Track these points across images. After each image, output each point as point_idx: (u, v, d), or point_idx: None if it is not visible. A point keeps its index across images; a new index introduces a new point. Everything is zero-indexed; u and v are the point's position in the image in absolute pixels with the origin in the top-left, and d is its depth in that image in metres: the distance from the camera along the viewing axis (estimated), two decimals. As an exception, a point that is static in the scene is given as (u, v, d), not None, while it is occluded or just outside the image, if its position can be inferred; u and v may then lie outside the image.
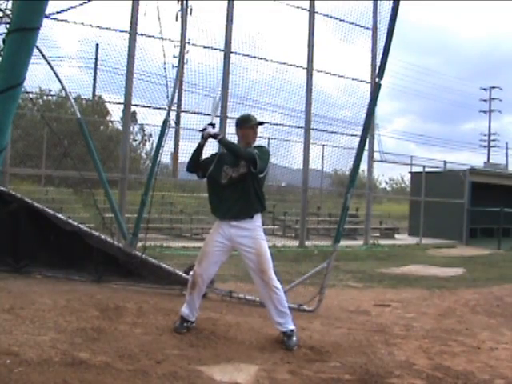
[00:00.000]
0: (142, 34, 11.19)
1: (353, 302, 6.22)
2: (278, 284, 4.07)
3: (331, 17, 14.03)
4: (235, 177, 4.08)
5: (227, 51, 12.47)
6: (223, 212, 4.14)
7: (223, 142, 4.10)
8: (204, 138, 4.14)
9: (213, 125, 4.19)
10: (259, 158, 3.99)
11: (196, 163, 4.27)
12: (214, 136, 4.06)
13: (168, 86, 6.47)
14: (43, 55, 6.10)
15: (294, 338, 3.98)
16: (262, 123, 4.47)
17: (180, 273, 5.88)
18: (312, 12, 13.82)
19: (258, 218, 4.14)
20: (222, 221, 4.14)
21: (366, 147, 11.83)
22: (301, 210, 14.40)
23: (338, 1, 13.92)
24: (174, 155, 15.68)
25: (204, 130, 4.14)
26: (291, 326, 4.03)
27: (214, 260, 4.17)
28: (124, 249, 6.13)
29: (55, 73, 6.28)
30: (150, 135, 17.17)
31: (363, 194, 16.31)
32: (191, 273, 4.35)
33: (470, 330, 4.90)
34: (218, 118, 11.93)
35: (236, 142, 4.26)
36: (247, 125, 4.21)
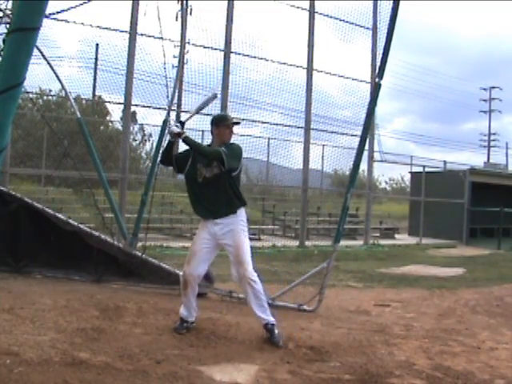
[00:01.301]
0: (141, 34, 11.19)
1: (353, 302, 6.22)
2: (254, 277, 4.04)
3: (331, 17, 14.04)
4: (209, 177, 4.10)
5: (227, 51, 12.47)
6: (205, 212, 4.19)
7: (187, 141, 4.08)
8: (171, 136, 4.17)
9: (181, 122, 4.20)
10: (227, 155, 3.99)
11: (167, 159, 4.31)
12: (178, 135, 4.05)
13: (168, 86, 6.47)
14: (43, 55, 6.10)
15: (276, 331, 3.99)
16: (238, 123, 4.47)
17: (180, 273, 5.88)
18: (312, 12, 13.82)
19: (241, 213, 4.17)
20: (207, 220, 4.18)
21: (366, 147, 11.82)
22: (301, 210, 14.40)
23: (338, 1, 13.92)
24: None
25: (169, 128, 4.19)
26: (271, 318, 4.04)
27: (202, 258, 4.18)
28: (124, 249, 6.13)
29: (55, 73, 6.28)
30: (150, 135, 17.19)
31: (363, 193, 16.31)
32: (181, 273, 4.36)
33: (470, 329, 4.90)
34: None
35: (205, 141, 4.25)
36: (223, 123, 4.20)
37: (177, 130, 4.07)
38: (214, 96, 4.67)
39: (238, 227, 4.11)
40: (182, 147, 4.25)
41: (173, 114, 11.28)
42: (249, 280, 4.01)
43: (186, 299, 4.22)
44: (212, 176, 4.09)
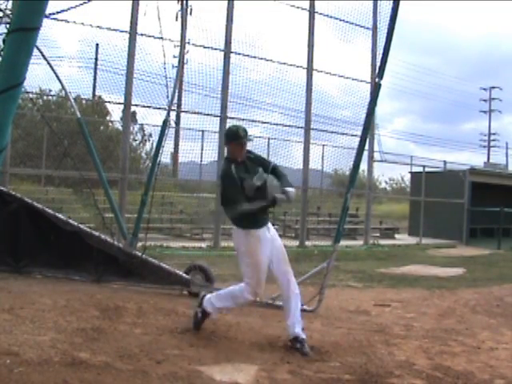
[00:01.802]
0: (142, 34, 11.19)
1: (353, 302, 6.22)
2: (296, 286, 4.08)
3: (331, 17, 14.04)
4: (259, 185, 3.96)
5: (227, 51, 12.46)
6: (262, 220, 4.07)
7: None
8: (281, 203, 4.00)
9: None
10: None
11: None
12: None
13: (168, 86, 6.47)
14: (43, 55, 6.10)
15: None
16: (250, 140, 4.28)
17: (180, 273, 5.88)
18: (312, 12, 13.81)
19: None
20: (262, 227, 4.03)
21: (366, 147, 11.82)
22: (301, 209, 14.40)
23: (338, 1, 13.92)
24: (174, 155, 15.69)
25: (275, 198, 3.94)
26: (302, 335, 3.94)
27: (266, 270, 4.05)
28: (124, 249, 6.13)
29: (55, 73, 6.29)
30: (150, 135, 17.20)
31: (363, 193, 16.31)
32: (249, 290, 3.99)
33: (469, 329, 4.90)
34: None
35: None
36: (235, 141, 4.07)
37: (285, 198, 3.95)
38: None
39: (276, 233, 4.21)
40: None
41: (173, 114, 11.30)
42: (296, 285, 4.08)
43: (226, 306, 4.22)
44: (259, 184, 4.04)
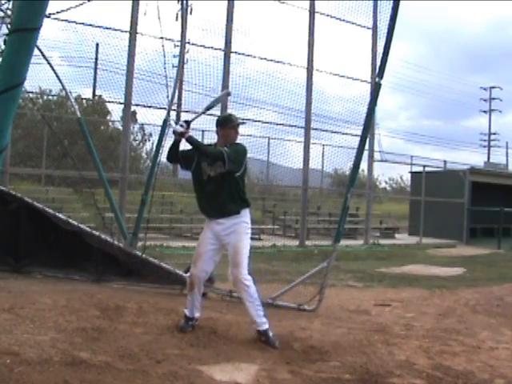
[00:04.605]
0: (142, 34, 11.19)
1: (353, 301, 6.22)
2: (247, 281, 4.04)
3: (331, 17, 14.03)
4: (213, 175, 4.10)
5: (227, 51, 12.46)
6: (209, 211, 4.21)
7: (190, 141, 4.08)
8: (175, 135, 4.14)
9: (187, 121, 4.14)
10: (229, 157, 3.97)
11: (173, 156, 4.28)
12: (181, 134, 4.02)
13: (168, 86, 6.47)
14: (43, 55, 6.10)
15: (271, 334, 4.01)
16: (243, 123, 4.43)
17: (180, 272, 5.89)
18: (312, 12, 13.81)
19: (245, 214, 4.18)
20: (211, 219, 4.19)
21: (366, 147, 11.81)
22: (301, 209, 14.40)
23: (338, 1, 13.91)
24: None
25: (174, 127, 4.18)
26: (263, 324, 4.02)
27: (208, 259, 4.20)
28: (124, 248, 6.13)
29: (55, 73, 6.29)
30: (150, 135, 17.17)
31: (363, 193, 16.31)
32: (188, 274, 4.36)
33: (470, 329, 4.90)
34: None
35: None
36: (229, 125, 4.21)
37: (180, 129, 4.04)
38: (227, 94, 4.57)
39: (240, 229, 4.12)
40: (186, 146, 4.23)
41: (173, 114, 11.29)
42: (242, 283, 4.04)
43: (191, 298, 4.25)
44: (216, 175, 4.09)
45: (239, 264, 4.04)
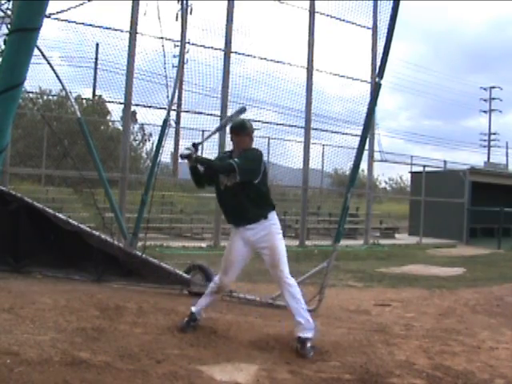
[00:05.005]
0: (142, 34, 11.20)
1: (353, 301, 6.22)
2: (291, 280, 4.02)
3: (331, 17, 14.04)
4: (229, 185, 4.05)
5: (227, 51, 12.47)
6: (236, 220, 4.16)
7: (199, 162, 4.05)
8: (181, 159, 4.09)
9: (194, 144, 4.03)
10: (240, 167, 3.89)
11: (197, 180, 4.23)
12: (188, 157, 3.93)
13: (168, 86, 6.47)
14: (43, 55, 6.10)
15: (308, 345, 3.84)
16: (257, 129, 4.38)
17: (180, 272, 5.89)
18: (312, 12, 13.81)
19: (272, 217, 4.13)
20: (238, 227, 4.14)
21: (366, 147, 11.81)
22: (301, 209, 14.41)
23: (338, 0, 13.92)
24: (174, 155, 15.70)
25: (181, 152, 4.08)
26: (304, 334, 3.88)
27: (239, 266, 4.21)
28: (124, 248, 6.13)
29: (55, 73, 6.29)
30: (150, 135, 17.18)
31: (363, 193, 16.31)
32: (215, 279, 4.33)
33: (470, 329, 4.90)
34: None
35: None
36: (244, 132, 4.12)
37: (186, 152, 3.94)
38: (243, 110, 4.44)
39: (272, 231, 4.09)
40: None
41: (173, 114, 11.29)
42: (284, 282, 3.99)
43: (207, 300, 4.28)
44: (232, 184, 4.02)
45: (279, 264, 4.02)
